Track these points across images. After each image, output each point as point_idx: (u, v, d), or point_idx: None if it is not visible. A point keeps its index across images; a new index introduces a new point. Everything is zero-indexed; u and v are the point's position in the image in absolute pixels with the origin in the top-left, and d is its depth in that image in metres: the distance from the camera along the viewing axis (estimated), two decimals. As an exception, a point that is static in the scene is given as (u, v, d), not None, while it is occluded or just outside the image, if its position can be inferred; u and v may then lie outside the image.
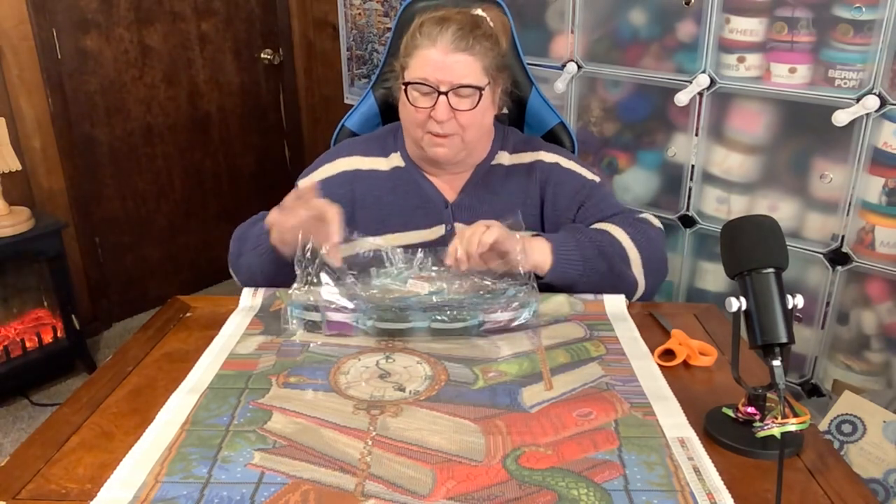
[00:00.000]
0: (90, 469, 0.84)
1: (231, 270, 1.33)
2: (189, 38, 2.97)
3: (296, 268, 1.12)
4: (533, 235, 1.23)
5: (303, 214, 1.12)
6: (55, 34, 2.57)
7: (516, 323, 1.13)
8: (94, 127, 2.77)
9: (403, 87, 1.25)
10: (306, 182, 1.35)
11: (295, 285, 1.13)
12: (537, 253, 1.18)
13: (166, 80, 2.94)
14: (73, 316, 2.55)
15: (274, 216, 1.17)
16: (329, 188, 1.33)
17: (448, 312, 1.10)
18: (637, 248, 1.24)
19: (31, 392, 2.54)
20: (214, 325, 1.17)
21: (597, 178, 1.37)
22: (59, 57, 2.60)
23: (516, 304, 1.12)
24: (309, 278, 1.12)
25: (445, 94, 1.21)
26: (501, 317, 1.11)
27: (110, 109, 2.80)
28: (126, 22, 2.77)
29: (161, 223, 3.09)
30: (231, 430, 0.89)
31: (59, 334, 2.55)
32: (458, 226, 1.33)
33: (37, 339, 2.49)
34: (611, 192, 1.39)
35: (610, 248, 1.22)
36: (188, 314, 1.23)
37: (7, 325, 2.50)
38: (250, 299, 1.24)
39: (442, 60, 1.21)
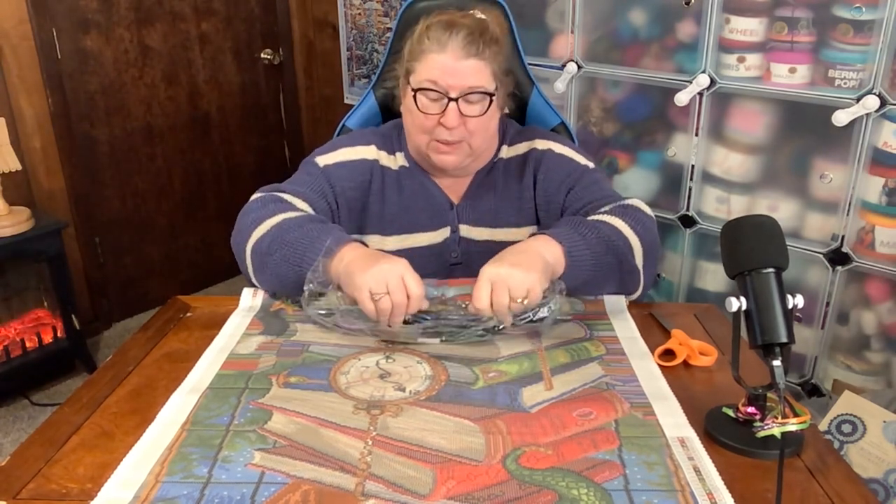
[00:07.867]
0: (90, 469, 0.84)
1: (256, 280, 1.24)
2: (189, 38, 2.97)
3: (305, 286, 1.10)
4: (534, 234, 1.17)
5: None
6: (55, 34, 2.56)
7: (538, 317, 1.09)
8: (94, 127, 2.77)
9: (413, 93, 1.22)
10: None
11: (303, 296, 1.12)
12: (549, 257, 1.11)
13: (166, 80, 2.94)
14: (73, 316, 2.55)
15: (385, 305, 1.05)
16: (349, 171, 1.32)
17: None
18: (638, 238, 1.18)
19: (31, 392, 2.54)
20: (214, 325, 1.17)
21: (590, 164, 1.33)
22: (59, 57, 2.59)
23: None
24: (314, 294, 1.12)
25: (455, 100, 1.20)
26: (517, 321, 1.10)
27: (110, 109, 2.80)
28: (126, 22, 2.77)
29: (161, 223, 3.09)
30: (231, 429, 0.89)
31: (59, 334, 2.55)
32: (463, 227, 1.34)
33: (37, 339, 2.49)
34: (602, 177, 1.33)
35: (618, 240, 1.15)
36: (188, 314, 1.23)
37: (7, 325, 2.50)
38: (250, 299, 1.24)
39: (453, 66, 1.19)
